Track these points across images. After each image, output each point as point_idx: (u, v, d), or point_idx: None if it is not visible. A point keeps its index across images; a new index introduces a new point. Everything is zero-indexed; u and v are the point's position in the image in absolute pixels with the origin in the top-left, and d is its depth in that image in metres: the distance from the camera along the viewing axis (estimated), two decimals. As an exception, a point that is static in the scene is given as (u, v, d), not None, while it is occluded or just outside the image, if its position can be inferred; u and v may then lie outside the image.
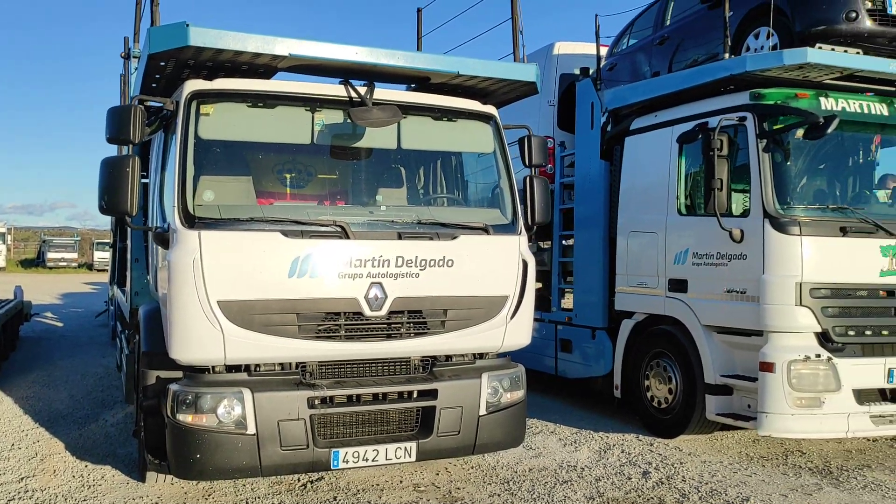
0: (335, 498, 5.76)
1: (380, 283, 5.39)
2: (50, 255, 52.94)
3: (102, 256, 45.01)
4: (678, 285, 7.57)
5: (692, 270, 7.40)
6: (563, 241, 9.66)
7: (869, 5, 6.92)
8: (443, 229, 5.69)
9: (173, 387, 5.17)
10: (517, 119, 11.52)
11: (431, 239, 5.60)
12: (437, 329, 5.63)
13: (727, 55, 7.21)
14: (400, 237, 5.51)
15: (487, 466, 6.66)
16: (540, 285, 10.43)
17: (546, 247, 10.11)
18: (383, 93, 5.83)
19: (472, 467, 6.62)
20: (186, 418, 5.07)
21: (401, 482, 6.19)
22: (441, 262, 5.59)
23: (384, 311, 5.42)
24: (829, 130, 6.41)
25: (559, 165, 9.77)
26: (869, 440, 7.71)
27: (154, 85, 5.96)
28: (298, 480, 6.14)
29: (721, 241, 6.99)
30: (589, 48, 10.30)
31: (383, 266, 5.40)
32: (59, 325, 19.07)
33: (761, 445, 7.48)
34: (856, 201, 7.12)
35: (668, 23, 8.92)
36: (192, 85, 5.37)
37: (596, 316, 8.85)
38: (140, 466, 6.04)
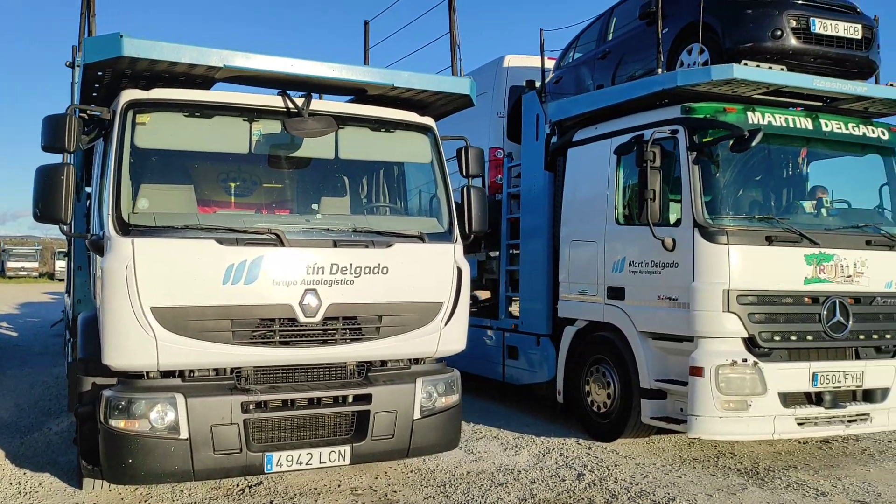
0: (271, 502, 5.85)
1: (314, 290, 5.50)
2: (10, 265, 52.24)
3: (63, 266, 44.46)
4: (616, 293, 7.78)
5: (629, 278, 7.62)
6: (511, 251, 9.83)
7: (794, 24, 7.20)
8: (378, 237, 5.82)
9: (106, 392, 5.23)
10: (470, 130, 11.67)
11: (367, 247, 5.73)
12: (372, 335, 5.76)
13: (660, 70, 7.44)
14: (335, 245, 5.64)
15: (427, 470, 6.78)
16: (489, 294, 10.62)
17: (495, 256, 10.28)
18: (321, 104, 5.98)
19: (411, 471, 6.74)
20: (119, 424, 5.13)
21: (339, 486, 6.29)
22: (376, 270, 5.72)
23: (319, 318, 5.53)
24: (754, 143, 6.65)
25: (507, 176, 9.96)
26: (800, 442, 7.97)
27: (95, 94, 6.03)
28: (237, 485, 6.21)
29: (655, 250, 7.22)
30: (539, 61, 10.56)
31: (318, 273, 5.52)
32: (14, 335, 18.86)
33: (695, 448, 7.69)
34: (783, 212, 7.37)
35: (610, 38, 9.16)
36: (129, 94, 5.46)
37: (540, 323, 9.03)
38: (77, 473, 6.07)
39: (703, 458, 7.39)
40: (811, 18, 7.23)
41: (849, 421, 7.18)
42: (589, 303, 8.17)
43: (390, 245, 5.81)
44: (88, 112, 5.58)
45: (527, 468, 6.94)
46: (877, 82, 8.05)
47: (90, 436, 5.42)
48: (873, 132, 7.61)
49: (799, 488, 6.41)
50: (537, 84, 9.45)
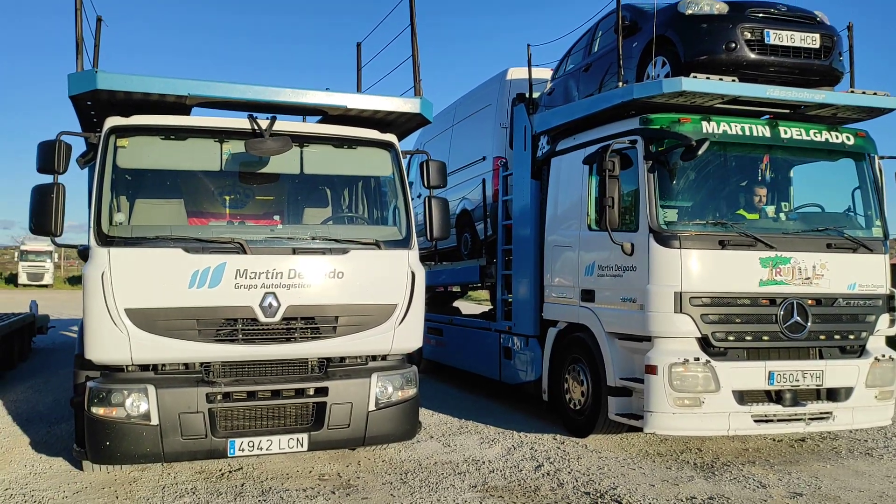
0: (243, 485, 6.48)
1: (273, 293, 6.12)
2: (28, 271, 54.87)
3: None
4: (588, 295, 8.17)
5: (598, 281, 8.00)
6: (507, 256, 10.29)
7: (749, 36, 7.45)
8: (335, 245, 6.41)
9: (90, 384, 5.96)
10: (477, 139, 12.28)
11: (324, 254, 6.33)
12: (330, 333, 6.35)
13: (620, 83, 7.81)
14: (294, 252, 6.25)
15: (398, 460, 7.32)
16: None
17: (495, 261, 10.75)
18: (286, 125, 6.59)
19: (383, 461, 7.29)
20: (99, 411, 5.86)
21: (310, 472, 6.89)
22: (332, 274, 6.31)
23: (278, 318, 6.15)
24: (700, 152, 6.98)
25: (502, 184, 10.43)
26: (773, 440, 8.19)
27: (95, 120, 6.80)
28: (219, 469, 6.88)
29: (618, 255, 7.59)
30: (542, 73, 11.01)
31: (277, 278, 6.14)
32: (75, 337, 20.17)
33: (664, 444, 8.01)
34: (741, 217, 7.61)
35: (595, 50, 9.52)
36: (111, 121, 6.20)
37: (529, 325, 9.47)
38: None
39: (667, 453, 7.71)
40: (766, 30, 7.47)
41: (810, 419, 7.38)
42: (567, 305, 8.58)
43: (346, 252, 6.38)
44: (90, 138, 6.35)
45: (492, 460, 7.39)
46: (853, 87, 8.24)
47: (81, 422, 6.16)
48: (837, 138, 7.78)
49: (743, 481, 6.69)
50: (528, 96, 9.89)
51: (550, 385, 8.96)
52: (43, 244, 55.67)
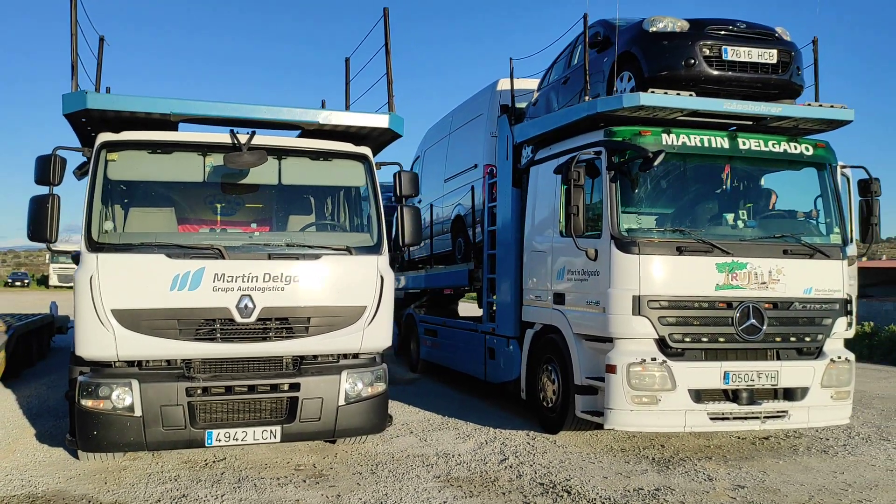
0: (223, 474, 6.99)
1: (249, 296, 6.63)
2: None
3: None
4: (559, 298, 8.58)
5: (567, 285, 8.41)
6: (492, 260, 10.71)
7: (707, 53, 7.82)
8: (308, 250, 6.90)
9: (80, 378, 6.51)
10: (470, 148, 12.70)
11: (297, 259, 6.82)
12: (302, 333, 6.84)
13: (587, 97, 8.22)
14: (269, 257, 6.75)
15: (374, 453, 7.78)
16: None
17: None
18: (267, 139, 7.09)
19: (358, 454, 7.76)
20: (88, 403, 6.40)
21: (288, 463, 7.37)
22: (304, 278, 6.80)
23: (253, 318, 6.65)
24: (656, 163, 7.37)
25: (488, 191, 10.86)
26: (738, 437, 8.54)
27: (92, 135, 7.35)
28: (203, 460, 7.39)
29: (585, 260, 7.99)
30: (530, 84, 11.43)
31: (252, 281, 6.64)
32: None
33: (630, 441, 8.39)
34: (699, 224, 7.97)
35: (574, 63, 9.92)
36: (102, 136, 6.75)
37: (510, 327, 9.90)
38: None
39: (631, 449, 8.10)
40: (724, 47, 7.84)
41: (766, 417, 7.73)
42: (542, 308, 9.00)
43: (318, 257, 6.87)
44: (84, 152, 6.90)
45: (462, 453, 7.83)
46: (818, 99, 8.59)
47: (73, 414, 6.71)
48: (796, 148, 8.11)
49: (693, 474, 7.07)
50: (510, 107, 10.33)
51: (528, 384, 9.39)
52: (75, 246, 57.26)
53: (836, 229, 8.25)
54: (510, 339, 9.94)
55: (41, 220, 6.45)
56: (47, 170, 6.49)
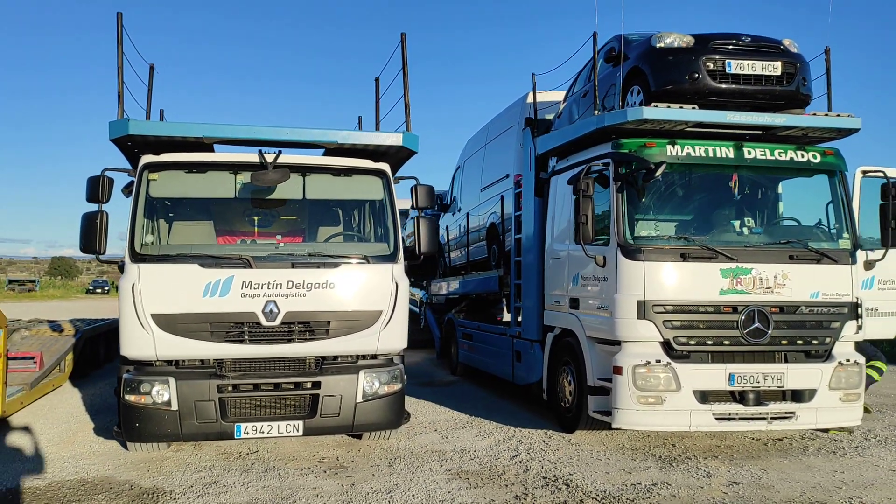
0: (252, 464, 7.64)
1: (274, 301, 7.26)
2: None
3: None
4: (574, 303, 8.99)
5: (581, 291, 8.81)
6: (518, 267, 11.16)
7: (711, 66, 8.13)
8: (328, 259, 7.50)
9: (125, 376, 7.24)
10: (501, 157, 13.20)
11: (318, 267, 7.43)
12: (323, 336, 7.43)
13: (597, 111, 8.62)
14: (293, 266, 7.37)
15: (394, 449, 8.32)
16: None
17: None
18: (290, 157, 7.72)
19: (381, 449, 8.31)
20: (131, 398, 7.13)
21: (314, 456, 7.98)
22: (324, 285, 7.41)
23: (278, 322, 7.28)
24: (658, 174, 7.73)
25: (514, 201, 11.32)
26: (753, 438, 8.78)
27: (139, 157, 8.11)
28: (237, 452, 8.06)
29: (595, 267, 8.39)
30: (557, 95, 11.85)
31: (277, 288, 7.27)
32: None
33: (644, 440, 8.73)
34: (707, 231, 8.27)
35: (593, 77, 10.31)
36: (145, 158, 7.49)
37: (533, 330, 10.33)
38: (125, 438, 8.16)
39: (642, 447, 8.44)
40: (727, 60, 8.13)
41: (772, 418, 7.96)
42: (560, 312, 9.41)
43: (337, 266, 7.47)
44: (130, 173, 7.68)
45: (478, 449, 8.31)
46: (830, 109, 8.81)
47: (119, 408, 7.45)
48: (803, 157, 8.34)
49: (693, 471, 7.39)
50: (533, 119, 10.78)
51: (548, 385, 9.80)
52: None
53: (846, 235, 8.43)
54: (534, 342, 10.37)
55: (91, 235, 7.20)
56: (96, 189, 7.26)
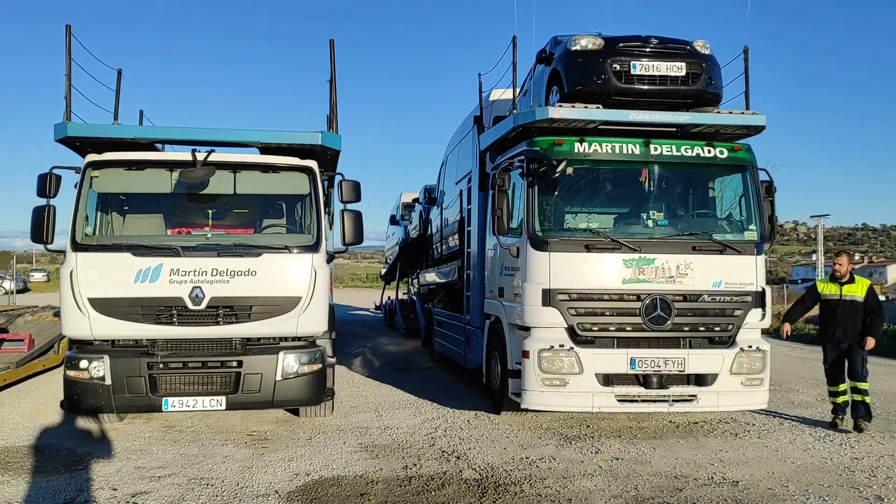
0: (183, 436, 8.39)
1: (199, 287, 7.97)
2: None
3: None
4: (500, 292, 9.54)
5: (504, 280, 9.36)
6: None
7: (617, 68, 8.59)
8: (251, 249, 8.18)
9: (67, 353, 8.04)
10: (466, 155, 13.68)
11: (241, 256, 8.11)
12: (245, 319, 8.12)
13: (515, 111, 9.14)
14: (218, 255, 8.07)
15: (326, 425, 8.99)
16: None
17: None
18: (222, 156, 8.41)
19: (312, 425, 8.99)
20: (71, 373, 7.92)
21: (245, 430, 8.70)
22: (247, 272, 8.09)
23: (203, 306, 7.99)
24: (559, 170, 8.23)
25: (467, 195, 11.87)
26: (670, 422, 9.22)
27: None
28: (178, 429, 8.81)
29: (511, 258, 8.92)
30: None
31: (202, 275, 7.98)
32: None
33: (566, 422, 9.24)
34: (614, 223, 8.74)
35: (534, 76, 10.80)
36: (89, 157, 8.27)
37: (477, 318, 10.90)
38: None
39: (556, 427, 8.96)
40: (632, 62, 8.58)
41: (674, 400, 8.42)
42: (493, 301, 9.97)
43: (259, 254, 8.14)
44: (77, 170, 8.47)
45: (401, 427, 8.93)
46: (748, 106, 9.19)
47: (66, 382, 8.27)
48: (710, 152, 8.74)
49: (586, 449, 7.90)
50: (479, 118, 11.35)
51: (486, 369, 10.36)
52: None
53: (752, 227, 8.82)
54: (477, 328, 10.93)
55: (40, 227, 8.01)
56: (44, 186, 8.05)
